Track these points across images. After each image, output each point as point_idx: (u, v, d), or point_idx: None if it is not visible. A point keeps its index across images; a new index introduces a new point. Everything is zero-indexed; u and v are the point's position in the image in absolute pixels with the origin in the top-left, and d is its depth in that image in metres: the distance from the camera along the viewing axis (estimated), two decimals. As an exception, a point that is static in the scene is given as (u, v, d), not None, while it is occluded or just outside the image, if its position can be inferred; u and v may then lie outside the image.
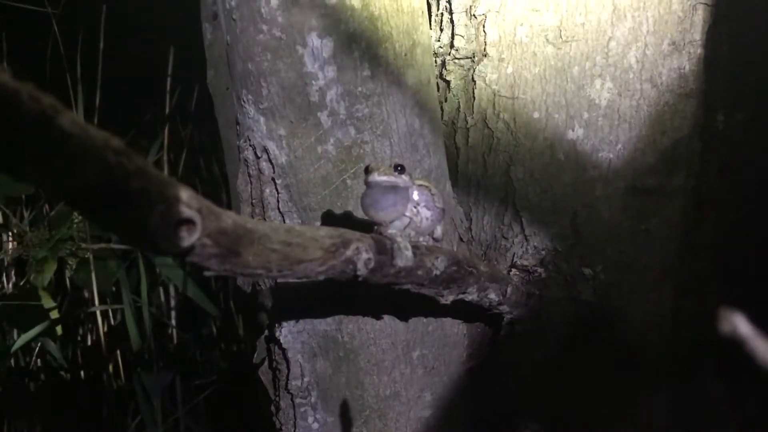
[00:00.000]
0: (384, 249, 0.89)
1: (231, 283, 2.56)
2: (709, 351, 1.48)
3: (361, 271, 0.84)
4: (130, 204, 0.56)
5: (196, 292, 2.43)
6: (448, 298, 1.08)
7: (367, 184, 0.94)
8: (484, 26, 1.33)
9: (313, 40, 1.13)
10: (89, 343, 2.46)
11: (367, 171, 0.94)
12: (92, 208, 0.56)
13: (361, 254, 0.83)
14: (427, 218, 0.99)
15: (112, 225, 0.61)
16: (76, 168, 0.51)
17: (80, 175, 0.52)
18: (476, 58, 1.35)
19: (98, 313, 2.33)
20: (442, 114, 1.40)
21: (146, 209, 0.56)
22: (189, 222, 0.59)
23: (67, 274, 2.21)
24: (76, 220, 2.19)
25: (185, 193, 0.60)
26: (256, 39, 1.14)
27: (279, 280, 1.25)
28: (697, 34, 1.27)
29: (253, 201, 1.26)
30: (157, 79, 2.54)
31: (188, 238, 0.60)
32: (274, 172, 1.21)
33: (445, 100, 1.41)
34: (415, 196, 0.98)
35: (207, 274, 0.68)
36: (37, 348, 2.32)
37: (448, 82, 1.40)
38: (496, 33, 1.32)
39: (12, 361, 2.24)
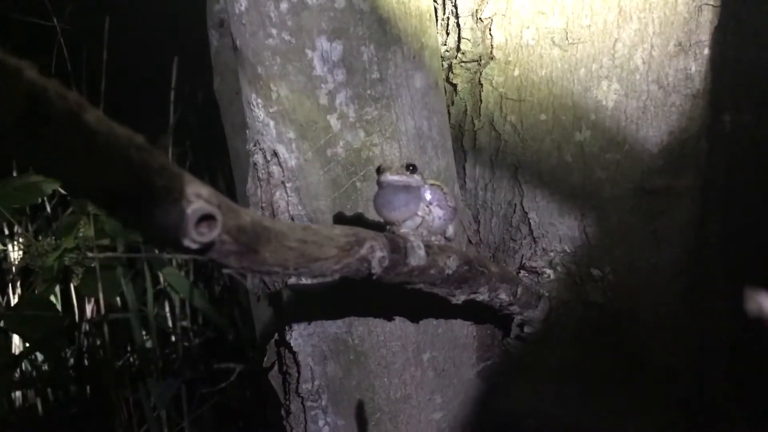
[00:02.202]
0: (397, 248, 0.89)
1: (240, 289, 2.56)
2: (718, 351, 1.48)
3: (376, 269, 0.84)
4: (153, 201, 0.56)
5: (201, 302, 2.43)
6: (459, 298, 1.08)
7: (380, 184, 0.95)
8: (490, 29, 1.33)
9: (323, 43, 1.13)
10: (95, 352, 2.45)
11: (380, 171, 0.94)
12: (115, 206, 0.57)
13: (376, 252, 0.83)
14: (439, 217, 0.99)
15: (134, 222, 0.61)
16: (102, 165, 0.51)
17: (106, 171, 0.52)
18: (483, 61, 1.36)
19: (104, 321, 2.33)
20: (449, 117, 1.40)
21: (169, 206, 0.56)
22: (210, 218, 0.60)
23: (73, 283, 2.20)
24: (81, 230, 2.19)
25: (205, 190, 0.60)
26: (266, 43, 1.15)
27: (289, 282, 1.25)
28: (703, 35, 1.27)
29: (263, 204, 1.26)
30: (160, 88, 2.55)
31: (209, 234, 0.60)
32: (283, 176, 1.22)
33: (452, 104, 1.41)
34: (428, 195, 0.98)
35: (226, 271, 0.68)
36: (43, 357, 2.31)
37: (454, 86, 1.40)
38: (502, 36, 1.33)
39: (18, 371, 2.24)
